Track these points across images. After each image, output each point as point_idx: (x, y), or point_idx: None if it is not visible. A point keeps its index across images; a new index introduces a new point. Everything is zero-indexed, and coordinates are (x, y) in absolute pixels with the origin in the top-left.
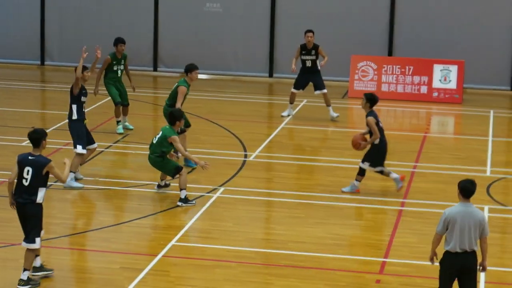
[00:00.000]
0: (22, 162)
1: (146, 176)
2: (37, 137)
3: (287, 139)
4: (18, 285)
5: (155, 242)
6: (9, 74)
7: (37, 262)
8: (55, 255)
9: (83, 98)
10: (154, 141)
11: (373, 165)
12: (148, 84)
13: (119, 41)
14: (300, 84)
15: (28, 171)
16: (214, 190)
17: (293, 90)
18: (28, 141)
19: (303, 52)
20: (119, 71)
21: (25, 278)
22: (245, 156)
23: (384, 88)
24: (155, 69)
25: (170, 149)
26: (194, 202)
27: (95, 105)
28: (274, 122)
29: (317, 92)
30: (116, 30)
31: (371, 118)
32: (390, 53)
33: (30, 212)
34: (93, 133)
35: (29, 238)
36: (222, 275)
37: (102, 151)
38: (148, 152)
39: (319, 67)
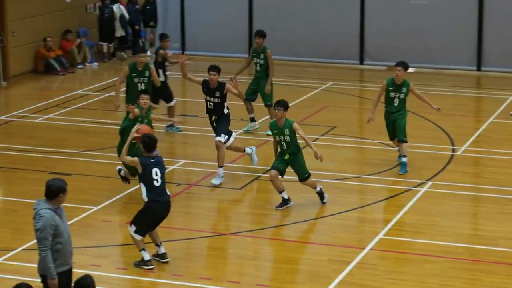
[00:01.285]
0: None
1: (352, 169)
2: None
3: (496, 133)
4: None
5: (362, 235)
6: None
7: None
8: (263, 246)
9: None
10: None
11: None
12: (354, 77)
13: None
14: None
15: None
16: (421, 184)
17: None
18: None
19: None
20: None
21: None
22: (453, 150)
23: None
24: (361, 63)
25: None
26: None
27: (301, 98)
28: (482, 116)
29: None
30: (320, 21)
31: None
32: None
33: None
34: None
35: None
36: (430, 270)
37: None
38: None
39: None
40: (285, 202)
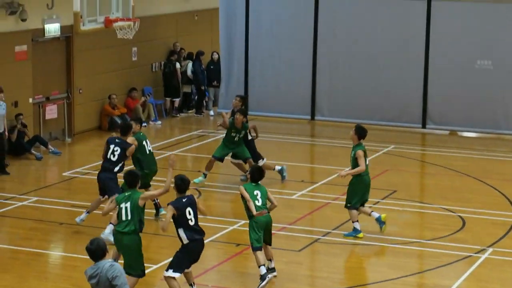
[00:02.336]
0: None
1: (412, 233)
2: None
3: None
4: None
5: None
6: (281, 128)
7: None
8: None
9: None
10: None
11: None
12: (416, 141)
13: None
14: None
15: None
16: (482, 251)
17: None
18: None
19: None
20: None
21: None
22: None
23: None
24: (423, 126)
25: None
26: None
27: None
28: None
29: None
30: (384, 85)
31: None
32: None
33: None
34: None
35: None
36: None
37: (370, 207)
38: None
39: None
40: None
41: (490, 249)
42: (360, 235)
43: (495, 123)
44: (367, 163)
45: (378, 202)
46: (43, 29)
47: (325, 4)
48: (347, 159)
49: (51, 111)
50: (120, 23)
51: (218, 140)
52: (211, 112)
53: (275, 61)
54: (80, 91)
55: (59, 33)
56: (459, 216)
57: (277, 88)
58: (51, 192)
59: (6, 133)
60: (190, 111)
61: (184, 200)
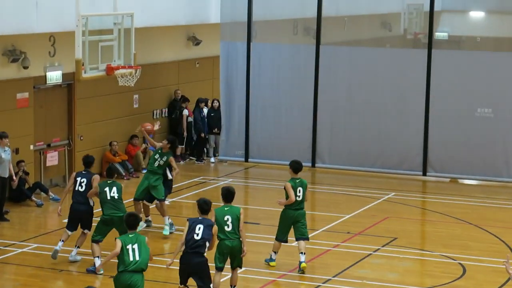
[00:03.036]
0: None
1: (412, 281)
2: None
3: None
4: None
5: None
6: (282, 175)
7: None
8: None
9: None
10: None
11: None
12: (417, 188)
13: None
14: None
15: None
16: None
17: None
18: None
19: None
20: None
21: None
22: None
23: None
24: (424, 173)
25: None
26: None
27: (363, 208)
28: None
29: None
30: (384, 133)
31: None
32: None
33: None
34: (361, 236)
35: None
36: None
37: (370, 254)
38: None
39: None
40: None
41: None
42: (273, 263)
43: (495, 171)
44: (298, 197)
45: (378, 249)
46: (45, 76)
47: (325, 53)
48: (348, 206)
49: (52, 158)
50: (121, 71)
51: (218, 187)
52: (212, 159)
53: (276, 109)
54: (81, 138)
55: (61, 81)
56: (460, 263)
57: (278, 135)
58: (51, 239)
59: (14, 178)
60: (192, 158)
61: (200, 219)
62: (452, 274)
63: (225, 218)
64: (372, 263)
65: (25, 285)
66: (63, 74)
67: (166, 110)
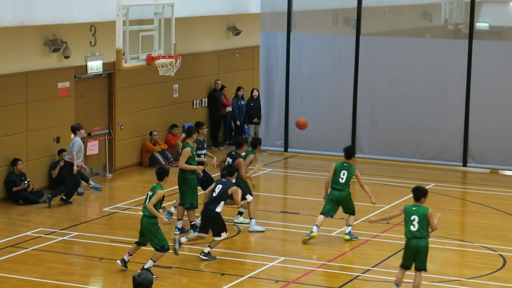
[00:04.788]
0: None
1: (452, 272)
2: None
3: None
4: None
5: None
6: (321, 165)
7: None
8: None
9: None
10: None
11: None
12: (457, 179)
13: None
14: None
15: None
16: None
17: None
18: None
19: None
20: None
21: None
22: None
23: None
24: (464, 164)
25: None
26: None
27: (403, 199)
28: None
29: None
30: (425, 123)
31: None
32: None
33: None
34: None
35: None
36: None
37: None
38: None
39: None
40: None
41: None
42: (314, 234)
43: None
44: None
45: None
46: (86, 66)
47: (366, 43)
48: (389, 197)
49: (93, 147)
50: (162, 61)
51: (256, 177)
52: None
53: (316, 99)
54: (122, 127)
55: (101, 70)
56: (500, 254)
57: (317, 125)
58: (92, 227)
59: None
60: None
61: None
62: (492, 265)
63: (412, 218)
64: None
65: (66, 273)
66: (103, 64)
67: (206, 100)
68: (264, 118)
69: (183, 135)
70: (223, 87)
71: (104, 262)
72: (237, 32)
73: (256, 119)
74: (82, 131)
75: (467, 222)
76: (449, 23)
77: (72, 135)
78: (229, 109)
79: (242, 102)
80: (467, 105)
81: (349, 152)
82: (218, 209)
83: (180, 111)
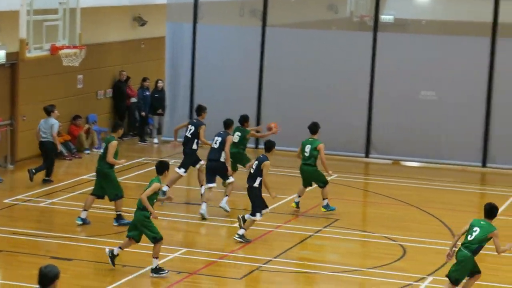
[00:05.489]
0: None
1: (353, 262)
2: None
3: (500, 230)
4: None
5: None
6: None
7: None
8: None
9: None
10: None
11: None
12: (359, 170)
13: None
14: None
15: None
16: (422, 279)
17: None
18: None
19: None
20: None
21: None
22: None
23: None
24: (366, 155)
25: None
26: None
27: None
28: None
29: None
30: (329, 115)
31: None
32: None
33: None
34: (304, 217)
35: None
36: None
37: (312, 235)
38: None
39: None
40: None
41: (431, 278)
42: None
43: (438, 153)
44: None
45: (320, 230)
46: None
47: (272, 35)
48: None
49: None
50: (66, 51)
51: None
52: (155, 140)
53: (222, 91)
54: (24, 118)
55: (4, 60)
56: (400, 245)
57: (223, 115)
58: None
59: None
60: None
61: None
62: (393, 255)
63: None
64: (314, 244)
65: None
66: (6, 54)
67: (111, 91)
68: (169, 109)
69: (87, 125)
70: (128, 78)
71: (4, 255)
72: (142, 23)
73: (160, 110)
74: (56, 111)
75: (368, 213)
76: (354, 16)
77: (48, 117)
78: (134, 100)
79: (147, 93)
80: (370, 97)
81: (313, 128)
82: (256, 184)
83: (84, 102)
